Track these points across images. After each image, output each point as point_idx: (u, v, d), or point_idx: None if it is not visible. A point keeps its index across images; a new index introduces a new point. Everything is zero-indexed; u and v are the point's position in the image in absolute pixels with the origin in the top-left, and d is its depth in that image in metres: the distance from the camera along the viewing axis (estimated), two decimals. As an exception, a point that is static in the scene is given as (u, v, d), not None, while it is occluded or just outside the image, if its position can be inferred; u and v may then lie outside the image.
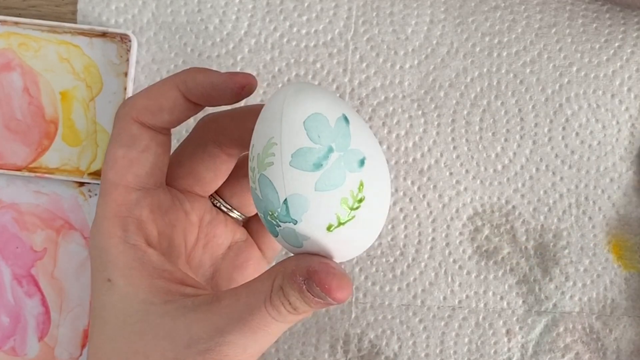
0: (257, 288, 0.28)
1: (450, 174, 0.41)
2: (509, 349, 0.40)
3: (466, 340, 0.41)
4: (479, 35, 0.41)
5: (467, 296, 0.41)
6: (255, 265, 0.36)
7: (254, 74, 0.41)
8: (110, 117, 0.41)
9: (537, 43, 0.41)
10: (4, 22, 0.41)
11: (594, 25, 0.41)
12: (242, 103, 0.35)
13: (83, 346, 0.41)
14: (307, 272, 0.27)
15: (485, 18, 0.41)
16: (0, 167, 0.41)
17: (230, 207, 0.35)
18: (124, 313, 0.29)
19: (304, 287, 0.27)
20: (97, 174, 0.41)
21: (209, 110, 0.34)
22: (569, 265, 0.41)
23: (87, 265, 0.41)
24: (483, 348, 0.41)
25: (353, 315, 0.41)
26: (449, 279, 0.41)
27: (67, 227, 0.41)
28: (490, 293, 0.41)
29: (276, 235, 0.29)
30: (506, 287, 0.41)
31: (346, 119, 0.27)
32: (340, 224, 0.27)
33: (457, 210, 0.41)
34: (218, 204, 0.35)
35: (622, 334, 0.40)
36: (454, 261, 0.41)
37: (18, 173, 0.41)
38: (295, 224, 0.27)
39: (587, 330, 0.40)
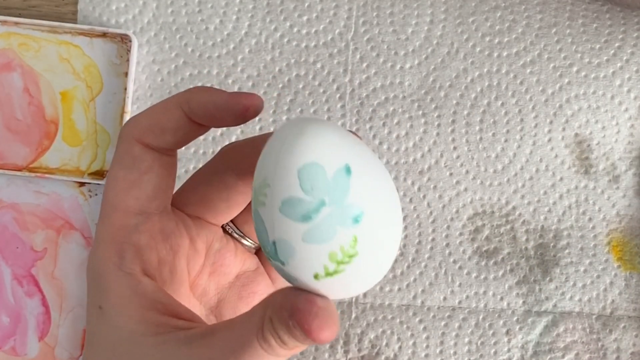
0: (250, 320, 0.27)
1: (451, 174, 0.41)
2: (509, 349, 0.40)
3: (466, 340, 0.41)
4: (479, 36, 0.41)
5: (467, 296, 0.41)
6: (261, 295, 0.34)
7: (254, 74, 0.41)
8: (110, 117, 0.41)
9: (538, 43, 0.41)
10: (4, 22, 0.41)
11: (594, 25, 0.41)
12: (255, 124, 0.35)
13: (83, 346, 0.41)
14: (291, 310, 0.25)
15: (485, 18, 0.41)
16: (1, 167, 0.41)
17: (242, 235, 0.34)
18: (113, 342, 0.28)
19: (290, 322, 0.25)
20: (97, 174, 0.41)
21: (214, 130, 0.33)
22: (569, 265, 0.41)
23: (86, 265, 0.41)
24: (483, 348, 0.41)
25: (353, 316, 0.41)
26: (449, 279, 0.41)
27: (67, 227, 0.41)
28: (491, 293, 0.41)
29: (272, 264, 0.28)
30: (506, 287, 0.41)
31: (348, 170, 0.25)
32: (327, 274, 0.26)
33: (457, 211, 0.41)
34: (230, 231, 0.34)
35: (622, 334, 0.40)
36: (454, 261, 0.41)
37: (18, 173, 0.41)
38: (283, 265, 0.26)
39: (587, 330, 0.40)
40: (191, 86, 0.41)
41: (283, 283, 0.35)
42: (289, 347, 0.26)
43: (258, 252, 0.35)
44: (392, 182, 0.27)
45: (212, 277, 0.33)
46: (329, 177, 0.25)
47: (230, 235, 0.34)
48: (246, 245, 0.34)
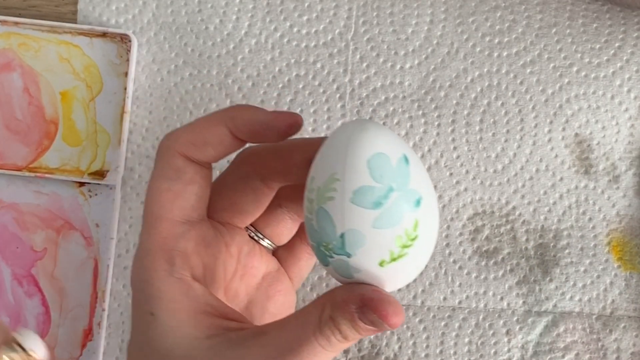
0: (306, 319, 0.28)
1: (451, 174, 0.41)
2: (509, 350, 0.40)
3: (466, 340, 0.41)
4: (479, 36, 0.41)
5: (467, 296, 0.41)
6: (285, 293, 0.36)
7: (254, 74, 0.41)
8: (110, 117, 0.41)
9: (538, 43, 0.41)
10: (4, 22, 0.41)
11: (594, 25, 0.41)
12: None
13: (83, 346, 0.41)
14: (362, 300, 0.27)
15: (485, 18, 0.41)
16: (1, 167, 0.41)
17: (261, 236, 0.35)
18: (167, 347, 0.29)
19: (356, 315, 0.27)
20: (97, 174, 0.41)
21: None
22: (569, 265, 0.41)
23: (87, 265, 0.41)
24: (483, 348, 0.41)
25: (353, 316, 0.41)
26: (449, 279, 0.41)
27: (67, 227, 0.41)
28: (491, 293, 0.41)
29: (326, 265, 0.29)
30: (506, 287, 0.41)
31: (406, 159, 0.28)
32: (392, 259, 0.28)
33: (457, 211, 0.41)
34: (251, 234, 0.35)
35: (622, 335, 0.40)
36: (454, 261, 0.41)
37: (18, 173, 0.41)
38: (348, 257, 0.28)
39: (587, 330, 0.40)
40: (191, 86, 0.41)
41: (299, 281, 0.38)
42: (349, 340, 0.28)
43: (275, 253, 0.37)
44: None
45: (242, 280, 0.34)
46: (394, 165, 0.28)
47: (251, 237, 0.35)
48: (266, 247, 0.36)
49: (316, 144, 0.30)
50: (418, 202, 0.28)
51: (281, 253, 0.37)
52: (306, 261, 0.37)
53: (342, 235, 0.28)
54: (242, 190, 0.33)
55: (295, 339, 0.28)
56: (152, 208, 0.31)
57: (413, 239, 0.28)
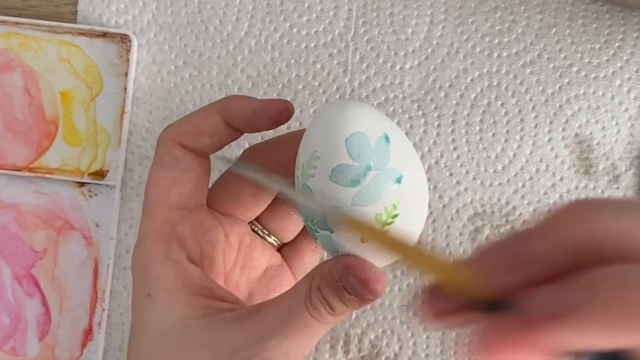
0: (297, 291, 0.29)
1: (451, 174, 0.41)
2: (509, 350, 0.40)
3: (466, 340, 0.41)
4: (479, 36, 0.41)
5: (467, 296, 0.41)
6: (287, 288, 0.36)
7: (254, 74, 0.41)
8: (110, 117, 0.41)
9: (537, 44, 0.41)
10: (4, 22, 0.41)
11: (594, 25, 0.41)
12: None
13: (83, 346, 0.41)
14: (344, 267, 0.28)
15: (485, 19, 0.41)
16: (1, 167, 0.41)
17: (267, 233, 0.36)
18: (162, 327, 0.30)
19: (341, 284, 0.28)
20: (97, 174, 0.41)
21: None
22: (569, 265, 0.41)
23: (87, 265, 0.41)
24: (483, 348, 0.40)
25: (353, 316, 0.41)
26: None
27: (67, 227, 0.41)
28: (491, 293, 0.41)
29: (315, 239, 0.30)
30: (506, 287, 0.41)
31: (387, 138, 0.28)
32: None
33: (457, 211, 0.41)
34: (256, 229, 0.36)
35: (622, 335, 0.40)
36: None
37: (18, 173, 0.41)
38: (332, 233, 0.29)
39: (588, 330, 0.40)
40: (190, 87, 0.41)
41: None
42: (337, 312, 0.28)
43: (280, 249, 0.37)
44: (415, 150, 0.31)
45: (243, 271, 0.35)
46: (372, 144, 0.28)
47: (257, 233, 0.36)
48: (271, 243, 0.36)
49: None
50: (399, 180, 0.28)
51: (286, 250, 0.37)
52: (310, 257, 0.37)
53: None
54: (244, 182, 0.34)
55: (287, 311, 0.28)
56: (150, 195, 0.32)
57: (394, 217, 0.28)
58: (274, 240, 0.37)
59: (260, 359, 0.28)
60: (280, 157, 0.34)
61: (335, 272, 0.28)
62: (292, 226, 0.37)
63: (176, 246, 0.31)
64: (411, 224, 0.29)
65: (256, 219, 0.36)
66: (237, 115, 0.32)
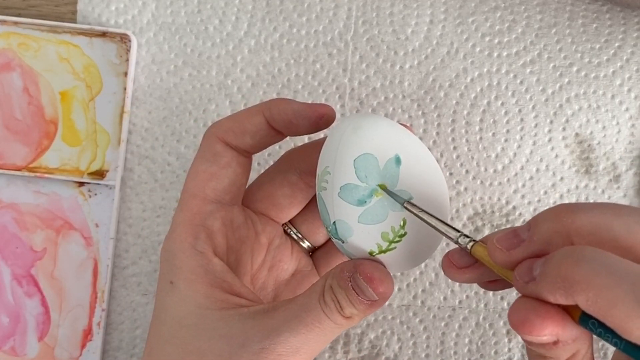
0: (313, 289, 0.30)
1: (451, 174, 0.41)
2: (509, 349, 0.40)
3: (466, 340, 0.40)
4: (479, 36, 0.41)
5: (467, 296, 0.41)
6: None
7: (254, 74, 0.41)
8: (110, 117, 0.41)
9: (537, 43, 0.41)
10: (4, 22, 0.41)
11: (594, 25, 0.41)
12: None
13: (83, 346, 0.41)
14: (354, 266, 0.29)
15: (485, 18, 0.41)
16: (0, 167, 0.41)
17: (301, 237, 0.37)
18: (180, 315, 0.31)
19: (350, 284, 0.29)
20: (96, 174, 0.41)
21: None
22: (570, 265, 0.40)
23: (86, 265, 0.41)
24: (483, 348, 0.40)
25: (353, 316, 0.41)
26: (449, 279, 0.41)
27: (67, 227, 0.41)
28: (491, 293, 0.41)
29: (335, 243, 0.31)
30: (506, 287, 0.41)
31: (398, 160, 0.29)
32: (380, 252, 0.29)
33: (457, 211, 0.41)
34: (290, 232, 0.37)
35: (622, 335, 0.40)
36: (454, 261, 0.41)
37: (18, 173, 0.41)
38: (343, 243, 0.30)
39: (588, 330, 0.40)
40: (190, 87, 0.41)
41: None
42: (345, 314, 0.29)
43: (312, 254, 0.38)
44: (438, 168, 0.31)
45: (271, 272, 0.36)
46: (381, 166, 0.29)
47: (289, 236, 0.37)
48: (303, 247, 0.37)
49: None
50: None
51: (317, 255, 0.38)
52: (338, 263, 0.37)
53: (334, 223, 0.29)
54: (279, 183, 0.35)
55: (302, 307, 0.29)
56: (188, 186, 0.33)
57: (401, 236, 0.29)
58: (307, 245, 0.37)
59: (269, 352, 0.29)
60: (313, 160, 0.34)
61: (346, 271, 0.29)
62: (323, 229, 0.37)
63: (203, 238, 0.32)
64: (422, 241, 0.30)
65: (290, 222, 0.37)
66: (278, 116, 0.32)
